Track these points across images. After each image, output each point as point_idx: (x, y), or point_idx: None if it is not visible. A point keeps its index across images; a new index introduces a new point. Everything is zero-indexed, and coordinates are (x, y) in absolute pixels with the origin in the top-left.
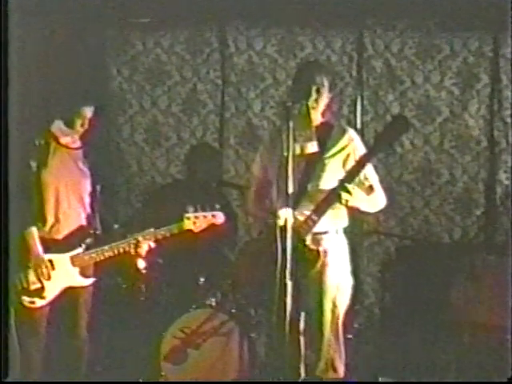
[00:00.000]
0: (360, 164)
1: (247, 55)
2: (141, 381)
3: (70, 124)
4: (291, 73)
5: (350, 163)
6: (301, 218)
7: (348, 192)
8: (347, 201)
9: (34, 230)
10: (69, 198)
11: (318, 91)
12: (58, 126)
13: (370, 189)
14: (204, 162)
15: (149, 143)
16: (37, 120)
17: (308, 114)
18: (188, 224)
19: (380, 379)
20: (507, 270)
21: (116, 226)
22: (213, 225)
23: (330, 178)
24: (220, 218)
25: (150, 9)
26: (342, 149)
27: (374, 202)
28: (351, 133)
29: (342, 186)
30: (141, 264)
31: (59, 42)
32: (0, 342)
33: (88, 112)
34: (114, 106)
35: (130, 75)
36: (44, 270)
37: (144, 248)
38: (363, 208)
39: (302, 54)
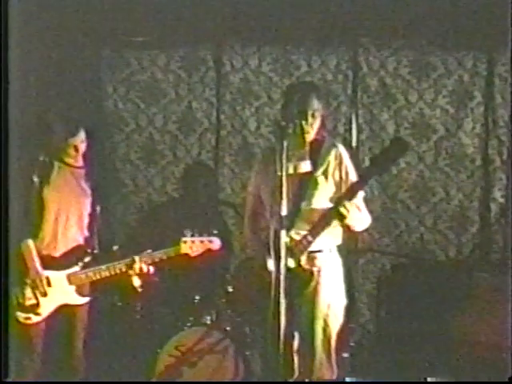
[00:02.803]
0: (358, 184)
1: (242, 74)
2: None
3: (62, 155)
4: None
5: (337, 178)
6: (296, 238)
7: (346, 209)
8: (345, 218)
9: (31, 244)
10: (68, 216)
11: (313, 115)
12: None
13: (358, 209)
14: (200, 181)
15: (144, 161)
16: (37, 135)
17: (302, 133)
18: (185, 248)
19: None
20: (502, 288)
21: (115, 248)
22: (209, 250)
23: (322, 196)
24: (216, 243)
25: (145, 27)
26: (330, 164)
27: (362, 221)
28: (340, 147)
29: (341, 203)
30: (136, 282)
31: (55, 60)
32: (0, 342)
33: (77, 140)
34: (110, 125)
35: (126, 93)
36: (40, 287)
37: (144, 269)
38: (353, 226)
39: (297, 73)
